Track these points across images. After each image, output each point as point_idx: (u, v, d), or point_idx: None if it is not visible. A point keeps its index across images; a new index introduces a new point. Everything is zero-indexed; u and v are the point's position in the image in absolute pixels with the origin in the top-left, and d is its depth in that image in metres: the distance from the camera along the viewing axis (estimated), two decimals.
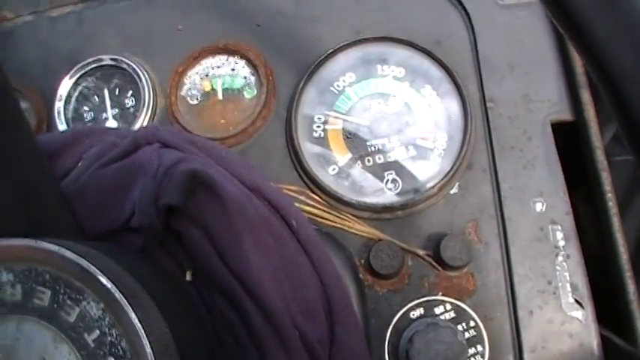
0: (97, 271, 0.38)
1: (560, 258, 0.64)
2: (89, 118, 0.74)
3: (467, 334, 0.63)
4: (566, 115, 0.68)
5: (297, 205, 0.65)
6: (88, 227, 0.54)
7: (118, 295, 0.38)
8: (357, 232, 0.65)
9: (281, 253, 0.55)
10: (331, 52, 0.70)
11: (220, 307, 0.53)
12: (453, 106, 0.68)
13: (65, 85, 0.72)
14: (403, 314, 0.64)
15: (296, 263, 0.55)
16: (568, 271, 0.64)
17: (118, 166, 0.54)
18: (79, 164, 0.57)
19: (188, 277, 0.55)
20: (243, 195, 0.52)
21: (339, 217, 0.66)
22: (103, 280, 0.38)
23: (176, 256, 0.55)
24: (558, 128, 0.68)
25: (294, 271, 0.55)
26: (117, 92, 0.74)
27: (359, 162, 0.68)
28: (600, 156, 0.64)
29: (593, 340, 0.62)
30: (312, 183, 0.66)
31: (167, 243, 0.55)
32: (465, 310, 0.63)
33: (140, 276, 0.43)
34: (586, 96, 0.67)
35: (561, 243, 0.64)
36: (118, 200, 0.53)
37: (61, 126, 0.73)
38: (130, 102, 0.73)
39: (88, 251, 0.42)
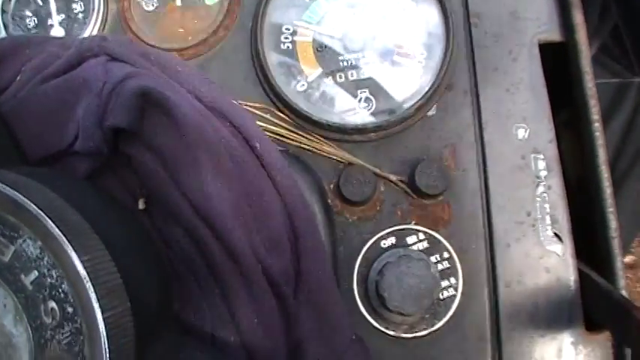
0: (33, 205, 0.37)
1: (540, 189, 0.65)
2: (32, 24, 0.73)
3: (440, 266, 0.64)
4: (555, 36, 0.68)
5: (262, 124, 0.65)
6: (28, 150, 0.53)
7: (56, 232, 0.36)
8: (327, 155, 0.64)
9: (243, 179, 0.54)
10: None
11: (178, 240, 0.53)
12: (434, 19, 0.68)
13: None
14: (374, 243, 0.65)
15: (259, 191, 0.55)
16: (548, 203, 0.65)
17: (59, 82, 0.53)
18: (18, 78, 0.55)
19: (141, 205, 0.54)
20: (200, 115, 0.51)
21: (308, 138, 0.65)
22: (40, 215, 0.36)
23: (127, 182, 0.55)
24: (545, 49, 0.67)
25: (257, 200, 0.55)
26: None
27: (330, 78, 0.69)
28: (589, 82, 0.65)
29: (570, 276, 0.65)
30: (279, 100, 0.65)
31: (116, 168, 0.54)
32: (439, 240, 0.64)
33: (85, 208, 0.42)
34: (578, 16, 0.67)
35: (543, 173, 0.65)
36: (61, 120, 0.51)
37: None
38: (78, 7, 0.72)
39: (23, 181, 0.41)
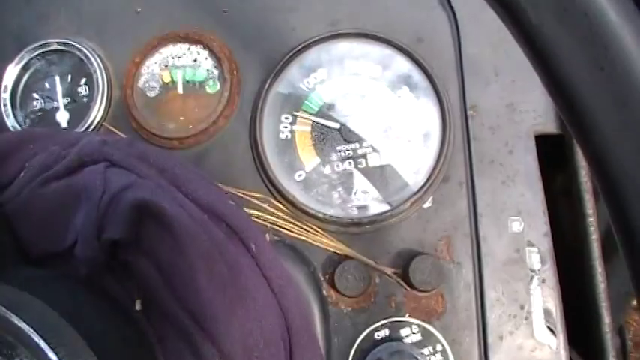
0: (27, 326, 0.40)
1: (535, 282, 0.68)
2: (39, 106, 0.78)
3: (433, 358, 0.66)
4: (551, 128, 0.71)
5: (259, 213, 0.68)
6: (30, 248, 0.56)
7: (50, 352, 0.39)
8: (323, 246, 0.67)
9: (237, 283, 0.58)
10: (302, 47, 0.71)
11: (172, 340, 0.56)
12: (432, 112, 0.72)
13: (11, 73, 0.74)
14: (368, 334, 0.69)
15: (253, 295, 0.59)
16: (542, 296, 0.69)
17: (61, 187, 0.57)
18: (22, 174, 0.59)
19: (138, 306, 0.58)
20: (196, 224, 0.55)
21: (304, 229, 0.69)
22: (34, 334, 0.40)
23: (125, 284, 0.58)
24: (541, 141, 0.69)
25: (251, 303, 0.58)
26: (69, 79, 0.78)
27: (327, 168, 0.73)
28: (584, 176, 0.67)
29: None
30: (276, 191, 0.69)
31: (115, 270, 0.57)
32: (432, 332, 0.67)
33: (81, 316, 0.45)
34: None
35: (537, 266, 0.68)
36: (61, 224, 0.55)
37: (8, 120, 0.77)
38: (83, 91, 0.76)
39: (18, 299, 0.44)
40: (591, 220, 0.69)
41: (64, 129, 0.76)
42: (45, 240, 0.58)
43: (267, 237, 0.70)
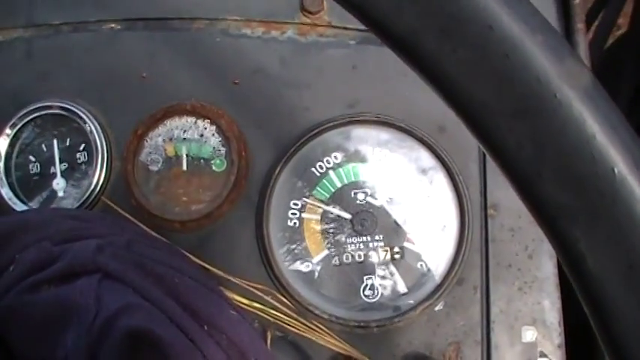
0: None
1: None
2: (35, 170, 0.81)
3: None
4: None
5: (261, 307, 0.68)
6: (17, 356, 0.56)
7: None
8: (327, 345, 0.68)
9: None
10: (317, 131, 0.72)
11: None
12: (450, 208, 0.74)
13: (5, 138, 0.75)
14: None
15: None
16: None
17: (51, 298, 0.58)
18: (11, 268, 0.58)
19: None
20: (193, 348, 0.54)
21: (308, 326, 0.69)
22: None
23: None
24: None
25: None
26: (67, 144, 0.80)
27: (335, 260, 0.76)
28: None
29: None
30: (280, 284, 0.69)
31: None
32: None
33: None
34: None
35: None
36: (51, 339, 0.57)
37: (3, 189, 0.79)
38: (82, 157, 0.79)
39: None
40: None
41: (60, 198, 0.76)
42: (34, 352, 0.58)
43: (270, 333, 0.71)
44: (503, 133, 0.32)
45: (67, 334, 0.58)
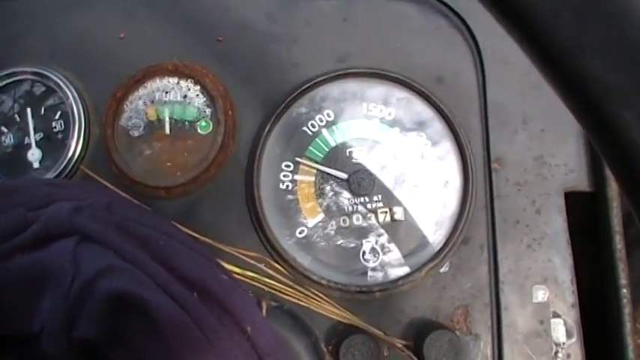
0: None
1: (560, 357, 0.66)
2: (8, 142, 0.77)
3: None
4: (583, 186, 0.69)
5: (255, 275, 0.64)
6: None
7: None
8: (326, 314, 0.64)
9: None
10: (307, 87, 0.68)
11: None
12: (452, 163, 0.71)
13: None
14: None
15: None
16: None
17: (25, 264, 0.54)
18: None
19: None
20: (183, 312, 0.50)
21: (305, 294, 0.66)
22: None
23: None
24: (572, 198, 0.66)
25: None
26: (42, 112, 0.76)
27: (333, 224, 0.71)
28: (619, 243, 0.65)
29: None
30: (274, 251, 0.67)
31: None
32: None
33: None
34: None
35: (562, 339, 0.68)
36: (26, 308, 0.53)
37: None
38: (58, 126, 0.75)
39: None
40: (625, 291, 0.67)
41: (36, 170, 0.71)
42: (7, 323, 0.54)
43: (264, 303, 0.67)
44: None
45: (42, 301, 0.54)
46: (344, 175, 0.71)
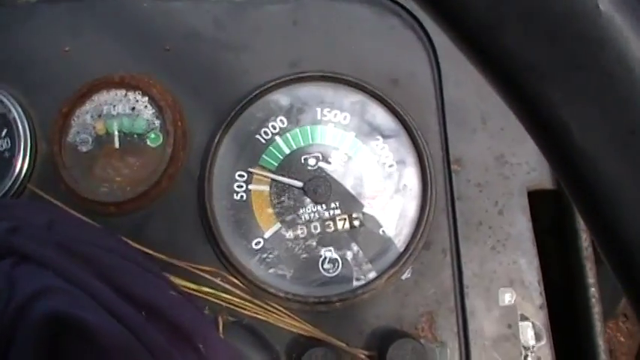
0: None
1: None
2: None
3: None
4: (546, 184, 0.67)
5: (211, 290, 0.62)
6: None
7: None
8: (286, 327, 0.62)
9: None
10: (258, 93, 0.65)
11: None
12: (410, 166, 0.68)
13: None
14: None
15: None
16: None
17: None
18: None
19: None
20: (128, 332, 0.48)
21: (264, 308, 0.63)
22: None
23: None
24: (535, 197, 0.65)
25: None
26: None
27: (289, 233, 0.69)
28: (585, 241, 0.62)
29: None
30: (230, 264, 0.64)
31: None
32: None
33: None
34: None
35: (531, 342, 0.67)
36: None
37: None
38: (4, 144, 0.73)
39: None
40: (593, 290, 0.65)
41: None
42: None
43: (221, 318, 0.65)
44: None
45: None
46: (299, 184, 0.69)
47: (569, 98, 0.26)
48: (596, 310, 0.65)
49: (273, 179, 0.69)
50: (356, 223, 0.68)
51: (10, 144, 0.72)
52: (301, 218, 0.69)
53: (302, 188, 0.69)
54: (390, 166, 0.69)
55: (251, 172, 0.70)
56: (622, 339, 1.74)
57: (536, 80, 0.26)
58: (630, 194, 0.26)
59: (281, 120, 0.70)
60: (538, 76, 0.26)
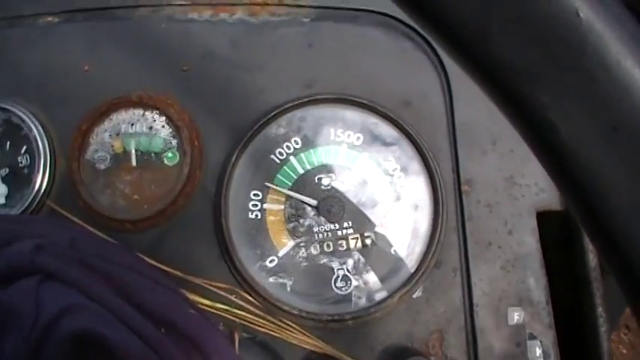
0: None
1: None
2: None
3: None
4: (554, 205, 0.68)
5: (226, 307, 0.63)
6: None
7: None
8: (299, 344, 0.63)
9: None
10: (274, 114, 0.67)
11: None
12: (422, 186, 0.70)
13: None
14: None
15: None
16: None
17: None
18: None
19: None
20: (148, 350, 0.49)
21: (277, 325, 0.64)
22: None
23: None
24: (544, 218, 0.66)
25: None
26: (7, 147, 0.75)
27: (303, 252, 0.71)
28: (592, 261, 0.64)
29: None
30: (244, 282, 0.65)
31: None
32: None
33: None
34: None
35: None
36: None
37: None
38: (24, 161, 0.74)
39: None
40: (600, 310, 0.66)
41: (2, 206, 0.71)
42: None
43: (236, 334, 0.66)
44: None
45: (4, 344, 0.53)
46: (313, 202, 0.70)
47: (556, 99, 0.28)
48: (604, 329, 0.67)
49: (288, 197, 0.70)
50: (368, 242, 0.69)
51: (29, 161, 0.73)
52: (314, 237, 0.70)
53: (316, 207, 0.70)
54: (402, 186, 0.71)
55: (266, 191, 0.71)
56: (624, 351, 1.75)
57: (525, 82, 0.28)
58: (621, 187, 0.28)
59: (295, 141, 0.72)
60: (527, 78, 0.28)
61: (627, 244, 0.29)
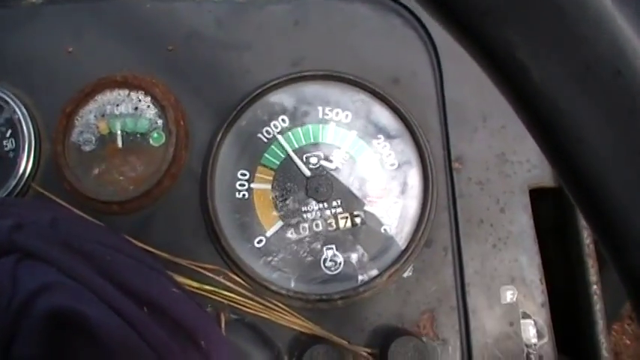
0: None
1: (531, 358, 0.64)
2: None
3: None
4: (547, 181, 0.66)
5: (213, 288, 0.62)
6: None
7: None
8: (288, 324, 0.62)
9: None
10: (260, 92, 0.66)
11: None
12: (411, 164, 0.69)
13: None
14: None
15: None
16: None
17: None
18: None
19: None
20: (129, 328, 0.49)
21: (266, 306, 0.64)
22: None
23: None
24: (535, 196, 0.65)
25: None
26: None
27: (291, 232, 0.70)
28: (587, 238, 0.62)
29: None
30: (232, 262, 0.64)
31: None
32: None
33: None
34: None
35: (533, 340, 0.67)
36: None
37: None
38: (9, 144, 0.73)
39: None
40: (595, 287, 0.65)
41: None
42: None
43: (224, 316, 0.65)
44: None
45: None
46: (301, 181, 0.69)
47: (526, 39, 0.27)
48: (599, 307, 0.65)
49: (276, 176, 0.69)
50: (357, 221, 0.68)
51: (14, 144, 0.73)
52: (303, 217, 0.69)
53: (304, 186, 0.69)
54: (392, 164, 0.70)
55: (253, 171, 0.69)
56: (628, 341, 1.74)
57: (494, 23, 0.27)
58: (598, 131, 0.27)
59: (282, 119, 0.71)
60: (496, 19, 0.27)
61: (612, 198, 0.28)
